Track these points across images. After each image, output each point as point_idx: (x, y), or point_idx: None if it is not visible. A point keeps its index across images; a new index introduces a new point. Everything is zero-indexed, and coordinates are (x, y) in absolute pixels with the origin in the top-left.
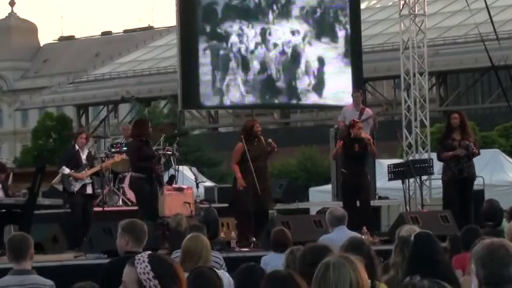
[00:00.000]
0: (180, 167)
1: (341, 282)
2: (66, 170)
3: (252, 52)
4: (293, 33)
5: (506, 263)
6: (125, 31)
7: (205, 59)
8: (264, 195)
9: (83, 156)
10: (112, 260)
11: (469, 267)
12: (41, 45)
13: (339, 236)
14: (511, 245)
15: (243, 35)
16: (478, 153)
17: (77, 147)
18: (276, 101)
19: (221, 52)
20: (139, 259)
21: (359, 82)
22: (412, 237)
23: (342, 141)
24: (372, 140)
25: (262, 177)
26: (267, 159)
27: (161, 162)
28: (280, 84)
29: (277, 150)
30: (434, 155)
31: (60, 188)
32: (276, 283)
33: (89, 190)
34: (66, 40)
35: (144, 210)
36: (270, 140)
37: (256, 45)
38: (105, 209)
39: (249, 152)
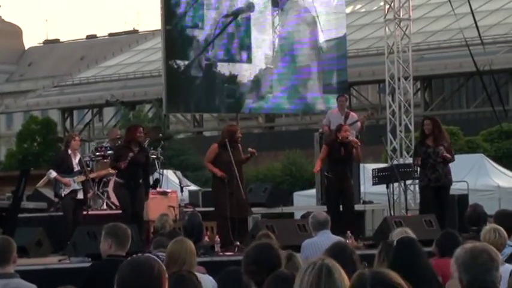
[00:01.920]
0: (165, 171)
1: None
2: (53, 174)
3: None
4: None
5: (488, 268)
6: (110, 35)
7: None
8: (243, 202)
9: (75, 161)
10: (95, 263)
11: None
12: (26, 48)
13: (322, 240)
14: (494, 250)
15: None
16: (452, 159)
17: (69, 152)
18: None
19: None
20: None
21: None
22: (395, 243)
23: (327, 147)
24: (358, 144)
25: (241, 183)
26: (242, 166)
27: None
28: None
29: (256, 154)
30: None
31: (45, 191)
32: (278, 283)
33: (80, 195)
34: (51, 43)
35: (125, 214)
36: (250, 149)
37: None
38: (89, 212)
39: (224, 156)
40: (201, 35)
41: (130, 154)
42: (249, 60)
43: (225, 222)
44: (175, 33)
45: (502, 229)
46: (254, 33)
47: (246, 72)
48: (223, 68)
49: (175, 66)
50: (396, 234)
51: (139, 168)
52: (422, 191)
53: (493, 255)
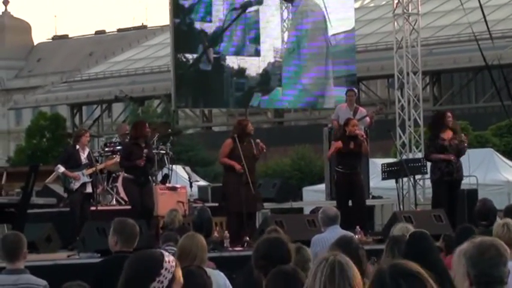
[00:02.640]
0: (174, 167)
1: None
2: (61, 169)
3: None
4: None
5: (496, 263)
6: (119, 30)
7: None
8: (254, 196)
9: (83, 156)
10: (104, 259)
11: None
12: (35, 44)
13: (331, 236)
14: (502, 244)
15: None
16: (464, 152)
17: (77, 147)
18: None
19: None
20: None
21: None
22: (407, 237)
23: (340, 143)
24: (365, 137)
25: (252, 179)
26: (255, 161)
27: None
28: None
29: (265, 150)
30: None
31: (54, 187)
32: (279, 278)
33: (89, 189)
34: (60, 39)
35: (135, 210)
36: (258, 140)
37: None
38: (98, 208)
39: (238, 150)
40: (209, 29)
41: (145, 151)
42: (258, 53)
43: (236, 217)
44: (183, 27)
45: None
46: (263, 26)
47: (254, 66)
48: (232, 62)
49: (184, 60)
50: (397, 229)
51: (149, 164)
52: (435, 184)
53: (501, 250)
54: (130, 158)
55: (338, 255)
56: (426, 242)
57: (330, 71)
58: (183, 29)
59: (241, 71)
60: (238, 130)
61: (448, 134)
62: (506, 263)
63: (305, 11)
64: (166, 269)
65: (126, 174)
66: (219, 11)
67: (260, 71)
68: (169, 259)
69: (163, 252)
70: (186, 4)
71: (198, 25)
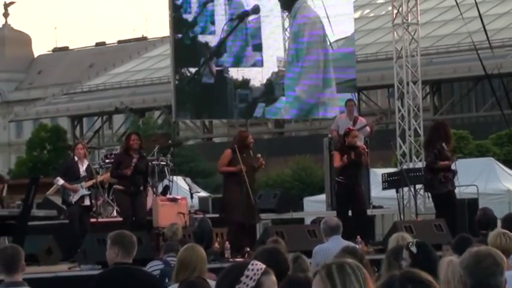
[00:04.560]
0: (174, 178)
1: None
2: (60, 181)
3: None
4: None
5: (493, 272)
6: (119, 42)
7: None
8: (254, 207)
9: (82, 168)
10: (103, 271)
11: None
12: (35, 56)
13: (333, 246)
14: (498, 254)
15: None
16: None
17: (76, 159)
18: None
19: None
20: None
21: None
22: (414, 248)
23: (338, 153)
24: (366, 150)
25: (252, 190)
26: (254, 172)
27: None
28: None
29: (264, 166)
30: None
31: (54, 199)
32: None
33: (87, 202)
34: (60, 51)
35: (126, 222)
36: (259, 155)
37: None
38: (99, 220)
39: (234, 161)
40: (212, 41)
41: (134, 160)
42: (261, 63)
43: (237, 228)
44: (185, 41)
45: (510, 233)
46: (265, 36)
47: (258, 76)
48: (235, 73)
49: (187, 74)
50: (393, 239)
51: (139, 175)
52: (446, 198)
53: (498, 259)
54: (119, 168)
55: (348, 259)
56: (432, 251)
57: (329, 79)
58: (186, 43)
59: (245, 82)
60: (238, 141)
61: (445, 144)
62: (502, 272)
63: (305, 24)
64: (248, 276)
65: (116, 186)
66: (222, 22)
67: (264, 81)
68: (254, 267)
69: (253, 261)
70: (190, 18)
71: (201, 38)
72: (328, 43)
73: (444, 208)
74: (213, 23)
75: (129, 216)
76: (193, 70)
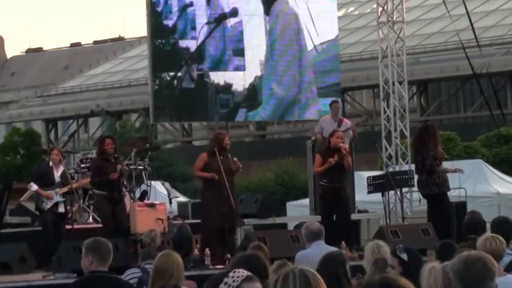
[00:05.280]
0: (152, 182)
1: None
2: (34, 187)
3: None
4: None
5: (483, 277)
6: (95, 42)
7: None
8: (235, 210)
9: (57, 174)
10: (77, 280)
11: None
12: (8, 57)
13: (316, 252)
14: (490, 259)
15: None
16: None
17: (50, 164)
18: None
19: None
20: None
21: None
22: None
23: (320, 156)
24: (348, 151)
25: (232, 193)
26: (233, 175)
27: (123, 177)
28: None
29: (241, 169)
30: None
31: (28, 205)
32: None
33: (61, 209)
34: (34, 52)
35: (107, 229)
36: (235, 159)
37: None
38: (74, 226)
39: (216, 164)
40: (192, 46)
41: (119, 166)
42: (243, 67)
43: (213, 233)
44: (166, 47)
45: (500, 237)
46: (247, 40)
47: (240, 81)
48: (217, 77)
49: (167, 79)
50: (368, 247)
51: (121, 180)
52: (438, 199)
53: (488, 264)
54: (101, 173)
55: (301, 267)
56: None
57: (308, 82)
58: (167, 49)
59: (226, 87)
60: (214, 144)
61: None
62: (493, 278)
63: (277, 18)
64: (226, 283)
65: (98, 192)
66: (203, 27)
67: (247, 85)
68: (235, 274)
69: (236, 270)
70: (170, 24)
71: (181, 43)
72: (311, 44)
73: (436, 210)
74: (194, 28)
75: (110, 223)
76: (172, 74)
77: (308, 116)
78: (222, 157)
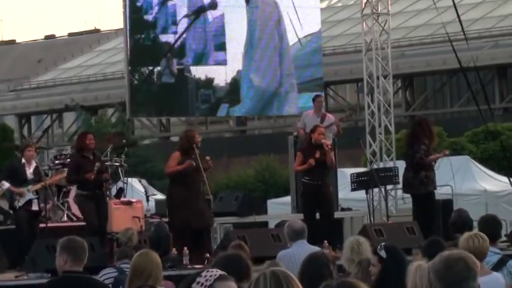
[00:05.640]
0: (129, 179)
1: None
2: (6, 185)
3: None
4: None
5: (465, 277)
6: (70, 34)
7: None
8: (203, 211)
9: (29, 171)
10: (50, 280)
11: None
12: None
13: (298, 251)
14: (471, 258)
15: None
16: None
17: (23, 161)
18: None
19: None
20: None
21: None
22: (383, 252)
23: (313, 160)
24: (331, 148)
25: (200, 192)
26: (203, 174)
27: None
28: None
29: (212, 168)
30: (399, 163)
31: (1, 203)
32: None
33: (35, 206)
34: (7, 45)
35: (90, 227)
36: (207, 158)
37: None
38: (48, 225)
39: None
40: (172, 41)
41: (97, 164)
42: (225, 62)
43: (185, 234)
44: (146, 42)
45: (483, 235)
46: (229, 33)
47: (222, 75)
48: (198, 72)
49: (147, 73)
50: (348, 244)
51: (101, 177)
52: (424, 198)
53: (470, 263)
54: (79, 171)
55: (275, 268)
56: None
57: (287, 75)
58: (147, 44)
59: (208, 81)
60: (185, 142)
61: (432, 142)
62: (475, 277)
63: (257, 8)
64: (199, 282)
65: (79, 191)
66: (183, 21)
67: (229, 80)
68: (208, 274)
69: (210, 269)
70: (150, 18)
71: (162, 38)
72: (295, 37)
73: (422, 209)
74: (175, 22)
75: (94, 222)
76: (153, 69)
77: (287, 110)
78: (193, 156)
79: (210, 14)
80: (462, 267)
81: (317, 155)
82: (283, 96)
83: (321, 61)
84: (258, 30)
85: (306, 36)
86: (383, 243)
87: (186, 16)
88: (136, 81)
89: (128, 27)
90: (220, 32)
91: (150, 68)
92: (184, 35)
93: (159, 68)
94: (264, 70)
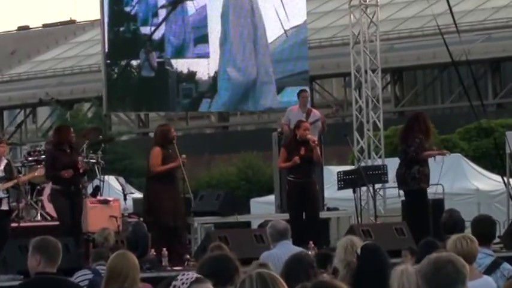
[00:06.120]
0: (106, 177)
1: None
2: None
3: None
4: None
5: (453, 280)
6: (44, 25)
7: None
8: (183, 208)
9: (0, 168)
10: (23, 282)
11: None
12: None
13: (282, 252)
14: (460, 260)
15: None
16: None
17: None
18: None
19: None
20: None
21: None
22: (359, 250)
23: (297, 158)
24: (317, 143)
25: (179, 189)
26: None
27: (84, 170)
28: None
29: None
30: (388, 161)
31: None
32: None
33: (5, 206)
34: None
35: (63, 226)
36: (183, 156)
37: None
38: (21, 224)
39: (165, 159)
40: (153, 33)
41: (80, 158)
42: (207, 54)
43: (163, 234)
44: (124, 33)
45: (472, 236)
46: (211, 25)
47: (205, 68)
48: (179, 65)
49: (126, 67)
50: (341, 244)
51: (77, 171)
52: (416, 195)
53: (459, 266)
54: (55, 165)
55: (261, 270)
56: (380, 256)
57: (265, 68)
58: (127, 36)
59: (190, 75)
60: (160, 137)
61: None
62: (464, 281)
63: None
64: (175, 286)
65: (54, 186)
66: (162, 11)
67: (212, 73)
68: (184, 277)
69: (185, 272)
70: (130, 10)
71: (143, 30)
72: (281, 29)
73: (413, 208)
74: (156, 14)
75: (67, 220)
76: (133, 62)
77: (263, 104)
78: (170, 151)
79: (192, 5)
80: (451, 270)
81: (302, 151)
82: (259, 88)
83: (306, 54)
84: (232, 21)
85: (291, 28)
86: (368, 242)
87: (163, 7)
88: (114, 75)
89: (105, 18)
90: (203, 23)
91: (129, 61)
92: (163, 27)
93: (138, 61)
94: (239, 63)
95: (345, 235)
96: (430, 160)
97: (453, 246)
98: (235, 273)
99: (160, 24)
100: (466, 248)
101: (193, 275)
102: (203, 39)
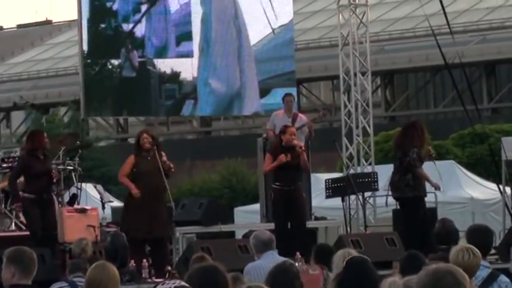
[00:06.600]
0: (83, 185)
1: None
2: None
3: None
4: None
5: None
6: (19, 26)
7: None
8: (159, 220)
9: None
10: None
11: None
12: None
13: (267, 263)
14: (460, 272)
15: None
16: None
17: None
18: None
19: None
20: None
21: None
22: (344, 264)
23: (283, 156)
24: (304, 149)
25: (158, 198)
26: (163, 177)
27: (56, 179)
28: None
29: (173, 170)
30: (378, 168)
31: None
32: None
33: None
34: None
35: (34, 236)
36: (164, 158)
37: None
38: None
39: (139, 166)
40: (134, 31)
41: (55, 167)
42: (192, 53)
43: (143, 244)
44: (105, 30)
45: (475, 249)
46: (196, 21)
47: (188, 68)
48: (162, 65)
49: (108, 67)
50: (338, 256)
51: (50, 179)
52: (410, 204)
53: (458, 277)
54: (27, 173)
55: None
56: (366, 270)
57: (248, 73)
58: (108, 33)
59: (174, 76)
60: (134, 144)
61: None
62: None
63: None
64: None
65: (25, 194)
66: (143, 8)
67: (196, 73)
68: (163, 286)
69: (166, 282)
70: (112, 6)
71: (124, 27)
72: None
73: (406, 216)
74: (138, 10)
75: (38, 229)
76: (114, 62)
77: (249, 109)
78: (148, 158)
79: (176, 1)
80: (450, 281)
81: (288, 158)
82: (243, 95)
83: (293, 53)
84: (214, 27)
85: (279, 27)
86: (351, 257)
87: (142, 3)
88: (94, 75)
89: (84, 15)
90: (187, 19)
91: (108, 61)
92: (144, 26)
93: (119, 61)
94: (222, 71)
95: (334, 245)
96: (423, 167)
97: (455, 257)
98: (226, 285)
99: (140, 19)
100: (467, 260)
101: (173, 283)
102: (187, 36)
